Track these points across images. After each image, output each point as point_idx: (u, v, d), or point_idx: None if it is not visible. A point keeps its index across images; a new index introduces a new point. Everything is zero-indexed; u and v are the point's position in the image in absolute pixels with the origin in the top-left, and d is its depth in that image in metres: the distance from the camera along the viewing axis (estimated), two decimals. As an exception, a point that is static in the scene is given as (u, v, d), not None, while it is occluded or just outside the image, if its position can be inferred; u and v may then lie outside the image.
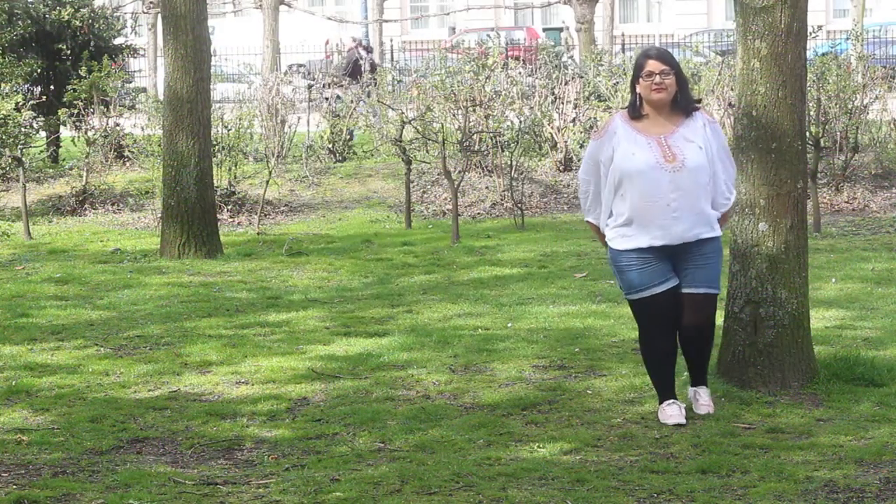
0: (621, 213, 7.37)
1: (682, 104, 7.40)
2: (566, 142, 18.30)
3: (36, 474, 6.69)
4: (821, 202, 15.43)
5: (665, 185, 7.26)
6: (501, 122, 17.09)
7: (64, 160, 20.04)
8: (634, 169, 7.29)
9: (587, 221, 7.68)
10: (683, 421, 7.35)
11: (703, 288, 7.39)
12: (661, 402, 7.50)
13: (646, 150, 7.31)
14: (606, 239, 7.49)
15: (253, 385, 8.40)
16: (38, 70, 20.02)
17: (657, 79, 7.32)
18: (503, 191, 16.95)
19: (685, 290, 7.39)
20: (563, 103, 18.65)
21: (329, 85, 20.48)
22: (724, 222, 7.56)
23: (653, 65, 7.35)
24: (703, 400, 7.56)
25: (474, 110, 16.70)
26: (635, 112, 7.42)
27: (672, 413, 7.40)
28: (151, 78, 33.53)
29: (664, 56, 7.46)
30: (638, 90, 7.40)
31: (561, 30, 41.22)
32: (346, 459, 6.83)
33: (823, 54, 16.95)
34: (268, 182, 16.50)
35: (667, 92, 7.34)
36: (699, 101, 7.66)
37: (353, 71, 23.00)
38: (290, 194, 17.93)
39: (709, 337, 7.56)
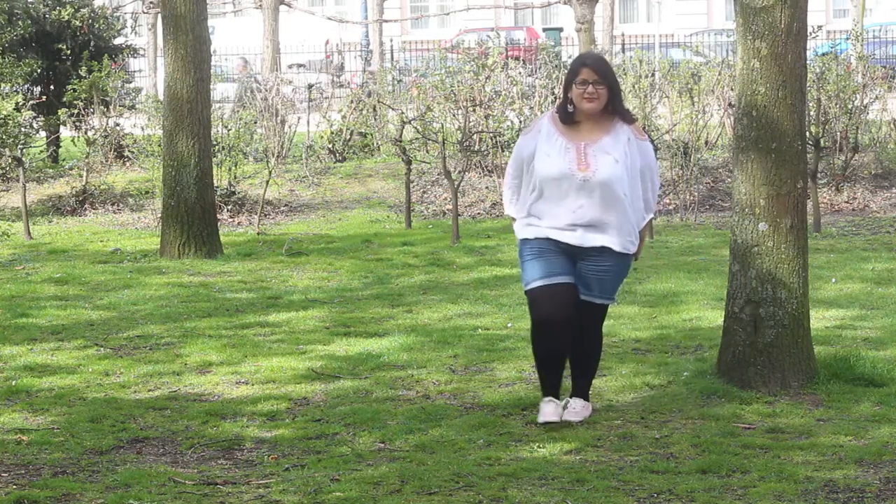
0: (533, 209, 7.38)
1: (613, 114, 7.33)
2: (566, 142, 18.26)
3: (36, 474, 6.68)
4: (821, 202, 15.43)
5: (574, 193, 7.26)
6: (501, 122, 17.08)
7: (64, 160, 20.04)
8: (546, 172, 7.29)
9: (508, 215, 7.64)
10: (557, 419, 7.33)
11: (599, 299, 7.42)
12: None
13: (562, 155, 7.29)
14: (515, 230, 7.50)
15: (253, 385, 8.40)
16: (38, 70, 20.02)
17: (590, 88, 7.28)
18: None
19: (582, 297, 7.38)
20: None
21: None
22: (642, 241, 7.47)
23: (587, 73, 7.30)
24: (575, 407, 7.50)
25: (474, 110, 16.69)
26: (566, 116, 7.37)
27: (547, 411, 7.37)
28: (151, 78, 33.53)
29: (599, 65, 7.35)
30: (570, 95, 7.35)
31: (560, 29, 41.23)
32: (346, 459, 6.83)
33: (823, 54, 16.95)
34: (268, 182, 16.49)
35: (598, 102, 7.29)
36: (630, 114, 7.45)
37: None
38: (290, 194, 17.92)
39: (597, 348, 7.64)
